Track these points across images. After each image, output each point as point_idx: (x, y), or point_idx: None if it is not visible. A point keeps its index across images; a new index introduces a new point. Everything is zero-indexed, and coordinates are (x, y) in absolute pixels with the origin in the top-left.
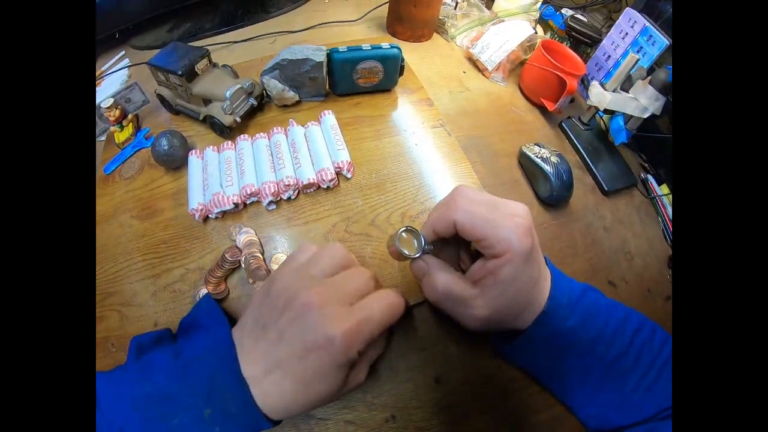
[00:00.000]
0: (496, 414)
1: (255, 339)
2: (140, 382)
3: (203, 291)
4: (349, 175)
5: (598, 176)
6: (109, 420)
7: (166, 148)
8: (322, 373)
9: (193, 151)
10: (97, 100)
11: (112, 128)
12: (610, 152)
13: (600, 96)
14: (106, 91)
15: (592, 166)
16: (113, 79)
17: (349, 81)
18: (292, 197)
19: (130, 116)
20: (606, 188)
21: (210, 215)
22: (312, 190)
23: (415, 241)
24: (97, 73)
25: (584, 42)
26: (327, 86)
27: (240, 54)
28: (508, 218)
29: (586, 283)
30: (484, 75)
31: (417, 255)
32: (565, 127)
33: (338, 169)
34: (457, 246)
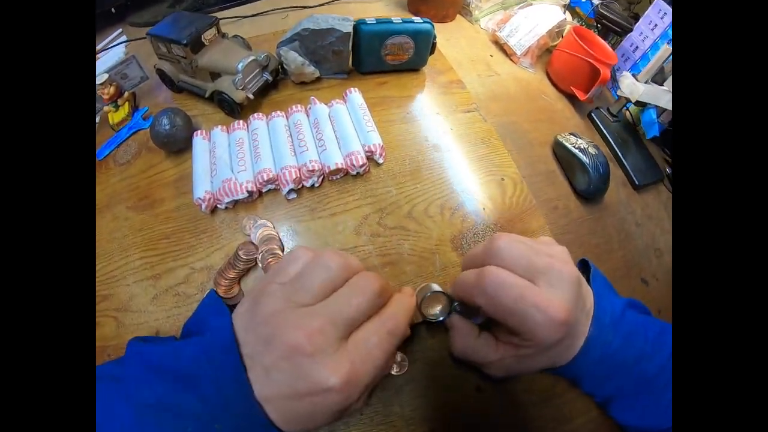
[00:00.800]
0: (536, 421)
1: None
2: (141, 391)
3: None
4: (380, 161)
5: (629, 170)
6: None
7: (167, 128)
8: (315, 415)
9: (198, 131)
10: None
11: (105, 108)
12: (637, 145)
13: (632, 87)
14: (100, 70)
15: (623, 159)
16: (109, 56)
17: (376, 57)
18: (316, 184)
19: (126, 94)
20: (637, 182)
21: (219, 205)
22: (339, 176)
23: (442, 302)
24: None
25: (614, 31)
26: (350, 63)
27: (249, 29)
28: (540, 309)
29: (621, 281)
30: (511, 60)
31: (441, 319)
32: (595, 118)
33: (369, 154)
34: None
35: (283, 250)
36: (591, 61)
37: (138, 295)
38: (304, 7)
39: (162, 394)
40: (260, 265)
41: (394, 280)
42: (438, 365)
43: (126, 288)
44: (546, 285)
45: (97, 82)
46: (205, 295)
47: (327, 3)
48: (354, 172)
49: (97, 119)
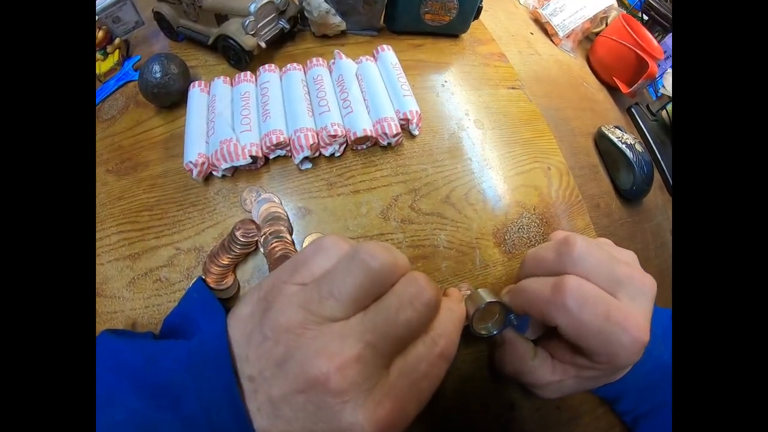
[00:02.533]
0: None
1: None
2: (110, 405)
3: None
4: (416, 132)
5: (667, 173)
6: None
7: (158, 75)
8: None
9: (196, 82)
10: None
11: None
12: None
13: None
14: None
15: (660, 161)
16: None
17: (414, 15)
18: (337, 154)
19: (117, 41)
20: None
21: (215, 172)
22: (365, 146)
23: (496, 313)
24: None
25: (661, 24)
26: (382, 19)
27: None
28: (625, 329)
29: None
30: (552, 41)
31: (494, 333)
32: (635, 114)
33: (404, 122)
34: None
35: (291, 233)
36: (639, 52)
37: (113, 278)
38: None
39: (135, 411)
40: (262, 250)
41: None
42: (470, 380)
43: (99, 267)
44: (627, 299)
45: None
46: (191, 284)
47: None
48: (384, 143)
49: None
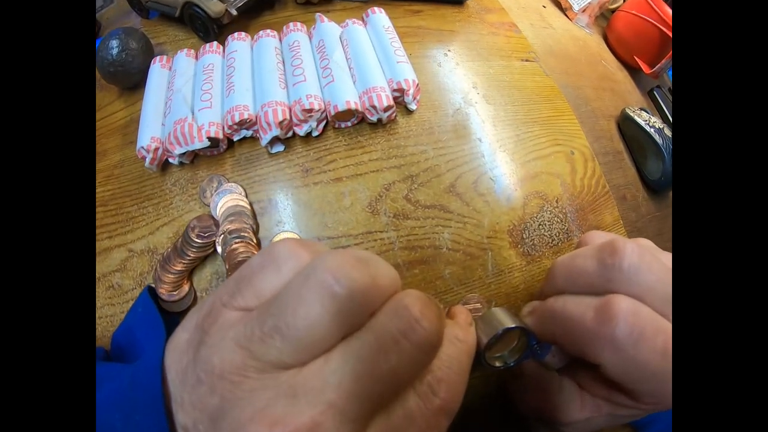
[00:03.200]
0: None
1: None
2: None
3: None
4: (413, 106)
5: None
6: None
7: (115, 52)
8: None
9: (158, 58)
10: None
11: None
12: None
13: None
14: None
15: None
16: None
17: None
18: (315, 133)
19: None
20: None
21: (171, 159)
22: (350, 122)
23: (516, 340)
24: None
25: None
26: None
27: None
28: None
29: None
30: (567, 15)
31: (512, 364)
32: (657, 97)
33: (398, 94)
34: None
35: (257, 232)
36: (663, 28)
37: None
38: None
39: None
40: (220, 252)
41: (426, 288)
42: (475, 414)
43: None
44: None
45: None
46: (138, 297)
47: None
48: (374, 118)
49: None
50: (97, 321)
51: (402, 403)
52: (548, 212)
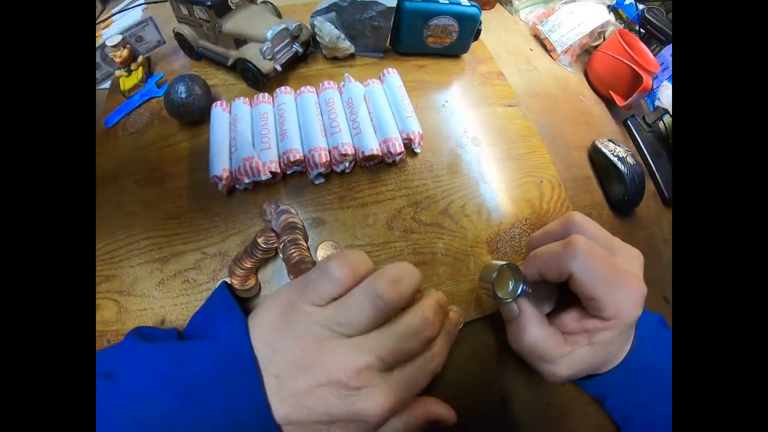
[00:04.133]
0: None
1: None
2: (140, 399)
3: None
4: (418, 150)
5: (660, 183)
6: None
7: (183, 96)
8: None
9: (218, 102)
10: (103, 39)
11: (117, 72)
12: (669, 159)
13: (671, 99)
14: (114, 31)
15: (655, 172)
16: (125, 20)
17: (417, 38)
18: (347, 170)
19: (140, 59)
20: (668, 196)
21: (237, 186)
22: (372, 163)
23: (512, 282)
24: (106, 15)
25: (657, 38)
26: (388, 41)
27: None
28: (628, 282)
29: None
30: (551, 56)
31: (509, 300)
32: (631, 126)
33: (407, 141)
34: (555, 286)
35: (307, 240)
36: (634, 66)
37: (142, 279)
38: None
39: (164, 407)
40: (281, 256)
41: (426, 281)
42: (466, 373)
43: (129, 270)
44: (624, 260)
45: (110, 44)
46: (216, 286)
47: None
48: (390, 160)
49: (108, 85)
50: (173, 307)
51: (412, 364)
52: (518, 228)
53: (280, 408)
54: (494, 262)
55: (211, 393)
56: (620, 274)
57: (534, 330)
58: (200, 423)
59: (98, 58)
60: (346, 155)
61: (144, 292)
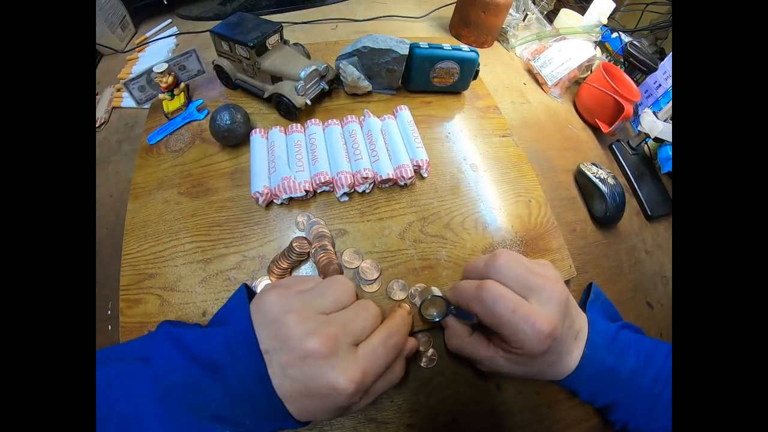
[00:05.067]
0: (544, 423)
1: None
2: (169, 372)
3: (265, 281)
4: (425, 175)
5: (643, 201)
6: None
7: (228, 122)
8: (324, 410)
9: (257, 129)
10: (145, 66)
11: (161, 96)
12: (653, 179)
13: (652, 124)
14: (150, 58)
15: (638, 191)
16: (159, 46)
17: (425, 78)
18: (367, 191)
19: (182, 85)
20: (650, 213)
21: (275, 201)
22: (388, 185)
23: (439, 305)
24: (140, 39)
25: (640, 69)
26: (399, 81)
27: (299, 36)
28: (529, 322)
29: (628, 303)
30: (543, 89)
31: (437, 319)
32: (615, 150)
33: (416, 168)
34: None
35: (334, 246)
36: (616, 97)
37: (186, 277)
38: (353, 20)
39: (189, 376)
40: (312, 259)
41: (432, 282)
42: (462, 363)
43: (174, 269)
44: (537, 302)
45: (157, 70)
46: (237, 288)
47: (375, 18)
48: (402, 183)
49: (148, 106)
50: (214, 301)
51: (374, 336)
52: (509, 240)
53: (274, 379)
54: (431, 288)
55: (225, 367)
56: (522, 316)
57: (455, 340)
58: (221, 390)
59: (143, 82)
60: (366, 178)
61: (187, 288)
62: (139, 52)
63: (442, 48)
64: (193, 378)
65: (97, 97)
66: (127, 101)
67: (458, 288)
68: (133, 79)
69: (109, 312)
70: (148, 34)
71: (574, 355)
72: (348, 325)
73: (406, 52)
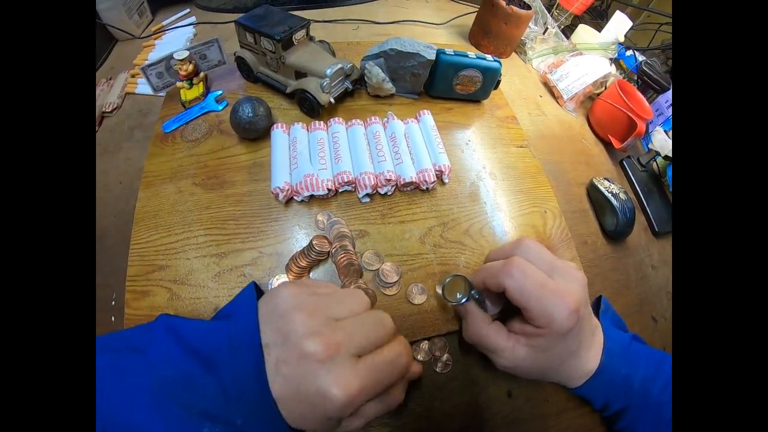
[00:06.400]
0: (554, 429)
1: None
2: (162, 363)
3: (282, 279)
4: (446, 180)
5: (651, 217)
6: (114, 410)
7: (250, 115)
8: (312, 418)
9: (278, 124)
10: (161, 53)
11: (179, 84)
12: (661, 196)
13: (663, 142)
14: (167, 46)
15: (646, 207)
16: (176, 35)
17: (448, 85)
18: (389, 193)
19: (201, 74)
20: (657, 229)
21: (296, 197)
22: (410, 188)
23: (461, 290)
24: (157, 27)
25: (653, 88)
26: (422, 85)
27: (320, 34)
28: (558, 296)
29: (633, 316)
30: (558, 102)
31: (454, 303)
32: (626, 166)
33: (438, 173)
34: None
35: (354, 247)
36: (630, 114)
37: (198, 270)
38: (375, 23)
39: (182, 369)
40: (332, 259)
41: None
42: (476, 369)
43: (186, 262)
44: (561, 279)
45: (177, 57)
46: (246, 285)
47: (396, 22)
48: (424, 187)
49: (164, 94)
50: (227, 298)
51: (381, 352)
52: None
53: (271, 379)
54: (448, 274)
55: (223, 363)
56: (551, 291)
57: (476, 327)
58: (214, 386)
59: (162, 68)
60: (389, 180)
61: (199, 283)
62: (155, 39)
63: (467, 56)
64: (186, 371)
65: (110, 81)
66: (142, 87)
67: (485, 268)
68: (151, 65)
69: (114, 303)
70: (165, 22)
71: (592, 353)
72: (356, 335)
73: (433, 57)
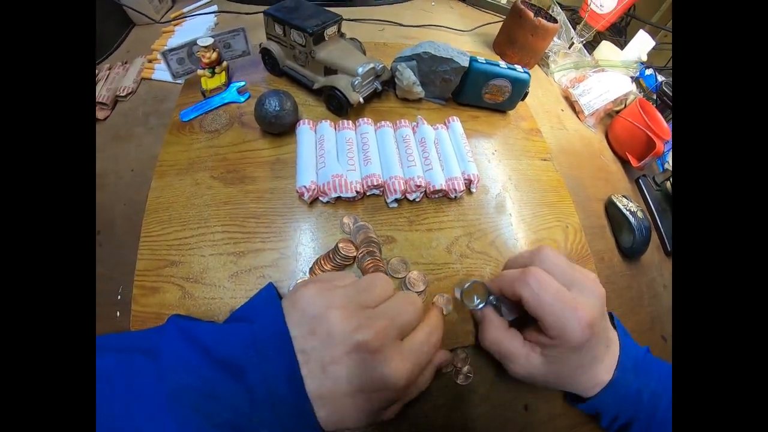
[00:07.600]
0: None
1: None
2: (178, 370)
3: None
4: (474, 190)
5: (664, 236)
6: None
7: (277, 109)
8: (367, 409)
9: (304, 120)
10: (181, 40)
11: (200, 72)
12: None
13: None
14: (187, 33)
15: (660, 226)
16: (197, 22)
17: (477, 93)
18: (417, 199)
19: (224, 63)
20: (669, 249)
21: (322, 198)
22: (438, 196)
23: (481, 293)
24: (177, 13)
25: (671, 108)
26: (451, 91)
27: (345, 32)
28: (572, 309)
29: (646, 334)
30: (578, 117)
31: (471, 307)
32: (641, 184)
33: (467, 182)
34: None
35: (381, 253)
36: (649, 133)
37: (214, 269)
38: (400, 25)
39: (201, 377)
40: (357, 264)
41: None
42: (495, 382)
43: (201, 258)
44: (578, 292)
45: (202, 43)
46: (263, 287)
47: (421, 26)
48: (452, 196)
49: (182, 82)
50: (245, 300)
51: (418, 332)
52: None
53: (308, 381)
54: (466, 279)
55: (248, 368)
56: (566, 303)
57: (493, 332)
58: (240, 395)
59: (184, 54)
60: (419, 186)
61: (214, 282)
62: (176, 25)
63: (497, 65)
64: (209, 381)
65: (126, 65)
66: (159, 74)
67: (503, 275)
68: (173, 50)
69: (119, 297)
70: (185, 9)
71: (604, 365)
72: (395, 318)
73: (466, 63)
